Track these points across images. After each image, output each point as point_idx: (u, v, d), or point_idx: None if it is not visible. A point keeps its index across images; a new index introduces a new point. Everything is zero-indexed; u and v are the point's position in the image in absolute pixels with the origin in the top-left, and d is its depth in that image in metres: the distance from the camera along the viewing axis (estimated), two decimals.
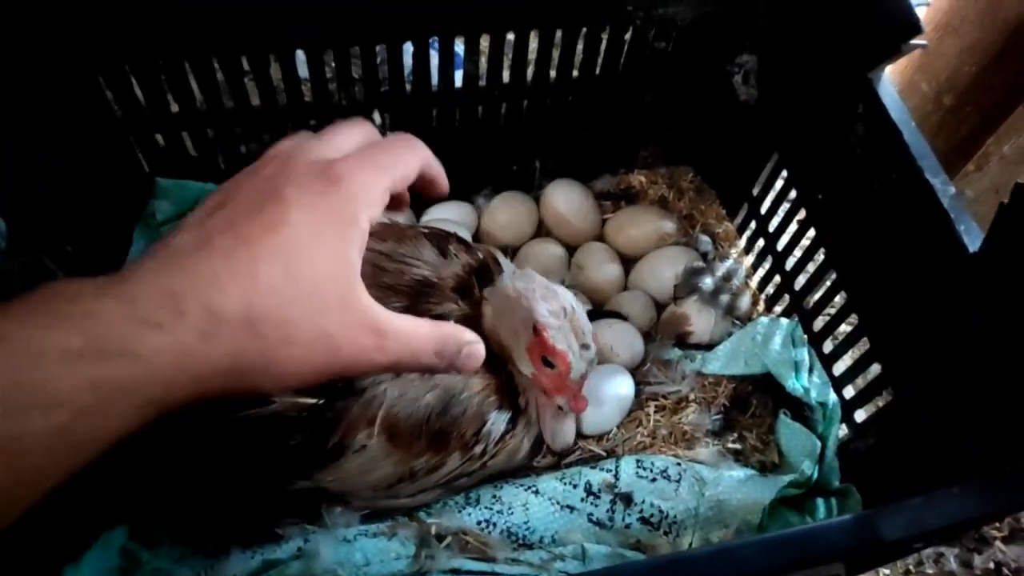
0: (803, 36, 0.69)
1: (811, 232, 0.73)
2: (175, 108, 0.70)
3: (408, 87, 0.73)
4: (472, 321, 0.60)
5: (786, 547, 0.42)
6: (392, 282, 0.60)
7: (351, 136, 0.41)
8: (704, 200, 0.88)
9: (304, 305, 0.35)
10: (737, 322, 0.78)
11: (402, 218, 0.80)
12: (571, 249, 0.84)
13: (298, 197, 0.36)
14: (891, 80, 0.63)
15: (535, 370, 0.60)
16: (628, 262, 0.84)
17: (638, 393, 0.72)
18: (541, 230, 0.86)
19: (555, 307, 0.58)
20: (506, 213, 0.84)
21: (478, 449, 0.59)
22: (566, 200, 0.84)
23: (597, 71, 0.77)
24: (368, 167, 0.38)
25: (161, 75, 0.67)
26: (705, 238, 0.84)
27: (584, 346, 0.59)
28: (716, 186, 0.89)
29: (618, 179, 0.89)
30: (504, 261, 0.67)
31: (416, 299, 0.60)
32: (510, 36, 0.71)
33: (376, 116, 0.75)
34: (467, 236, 0.80)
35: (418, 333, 0.39)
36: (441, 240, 0.65)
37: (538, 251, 0.83)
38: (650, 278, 0.81)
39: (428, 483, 0.59)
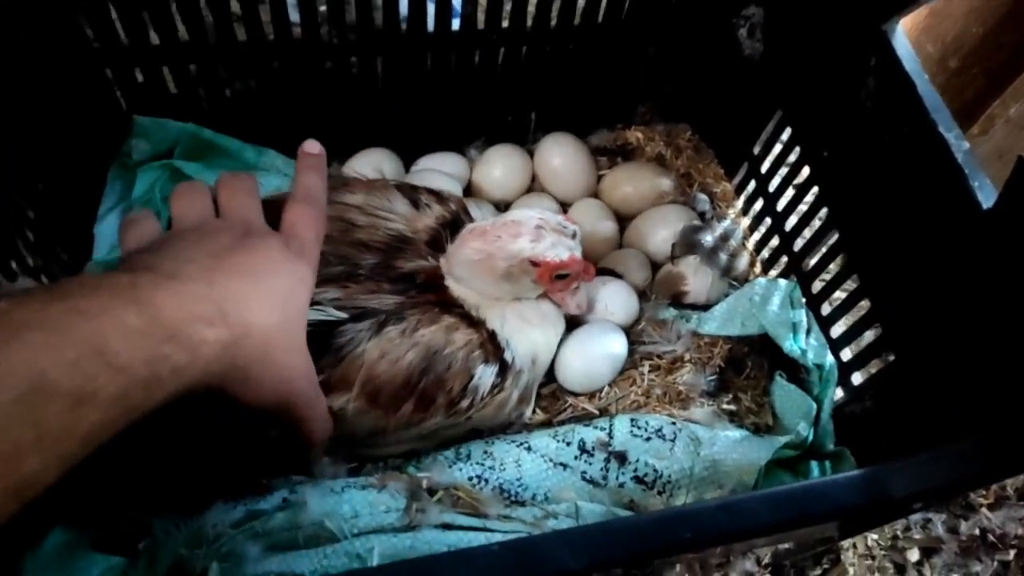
0: None
1: (813, 192, 0.72)
2: (156, 41, 0.66)
3: (403, 29, 0.70)
4: (441, 276, 0.60)
5: (790, 502, 0.41)
6: (366, 238, 0.58)
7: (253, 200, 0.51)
8: (702, 159, 0.86)
9: (289, 341, 0.44)
10: (734, 283, 0.76)
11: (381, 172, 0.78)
12: (565, 205, 0.82)
13: (280, 250, 0.46)
14: (905, 33, 0.61)
15: (550, 291, 0.62)
16: (623, 220, 0.82)
17: (632, 352, 0.70)
18: (534, 184, 0.84)
19: (528, 231, 0.58)
20: (499, 166, 0.81)
21: (464, 403, 0.58)
22: (561, 154, 0.82)
23: (599, 19, 0.75)
24: (314, 237, 0.50)
25: (142, 5, 0.63)
26: (703, 197, 0.82)
27: (572, 235, 0.61)
28: (715, 145, 0.87)
29: (615, 135, 0.87)
30: (476, 211, 0.65)
31: (389, 255, 0.58)
32: None
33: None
34: (458, 188, 0.77)
35: (326, 405, 0.50)
36: (412, 192, 0.63)
37: (531, 206, 0.81)
38: (646, 236, 0.79)
39: (408, 436, 0.58)
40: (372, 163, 0.78)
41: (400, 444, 0.59)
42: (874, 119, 0.61)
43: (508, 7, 0.71)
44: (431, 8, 0.69)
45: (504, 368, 0.60)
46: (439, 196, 0.64)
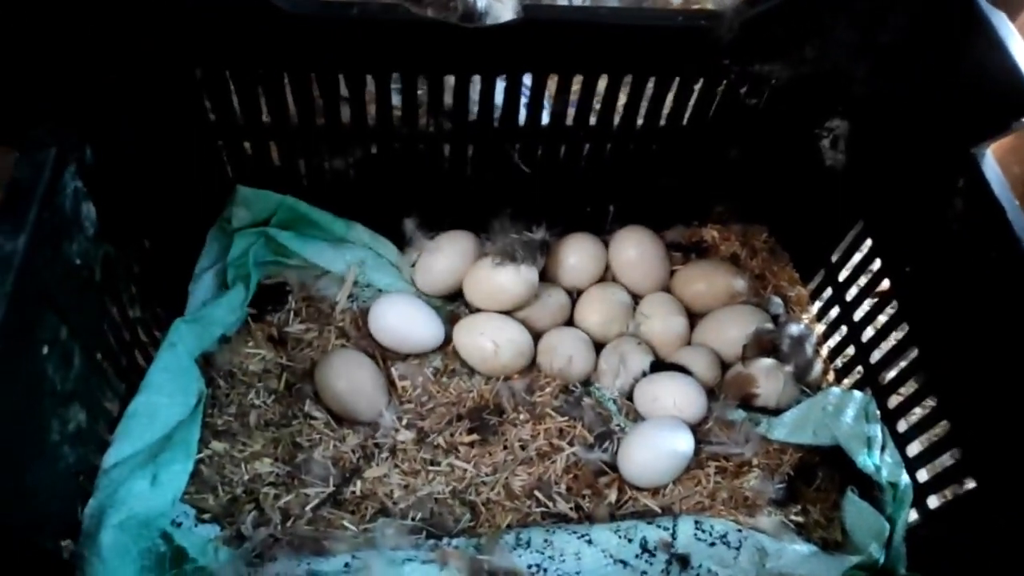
0: (902, 105, 0.68)
1: (893, 305, 0.71)
2: (267, 118, 0.70)
3: (496, 121, 0.73)
4: None
5: None
6: None
7: None
8: (777, 261, 0.86)
9: None
10: (806, 390, 0.75)
11: None
12: (636, 297, 0.83)
13: None
14: (993, 157, 0.61)
15: None
16: (694, 316, 0.82)
17: (698, 451, 0.70)
18: (607, 274, 0.85)
19: None
20: (574, 254, 0.83)
21: None
22: (636, 247, 0.83)
23: (684, 122, 0.77)
24: None
25: (259, 85, 0.68)
26: (777, 300, 0.82)
27: None
28: (790, 248, 0.87)
29: (690, 231, 0.88)
30: None
31: None
32: (603, 81, 0.71)
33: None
34: (534, 274, 0.79)
35: None
36: None
37: (604, 295, 0.82)
38: (716, 335, 0.79)
39: None
40: (454, 243, 0.81)
41: None
42: (961, 241, 0.61)
43: (598, 106, 0.74)
44: (523, 103, 0.72)
45: None
46: None
